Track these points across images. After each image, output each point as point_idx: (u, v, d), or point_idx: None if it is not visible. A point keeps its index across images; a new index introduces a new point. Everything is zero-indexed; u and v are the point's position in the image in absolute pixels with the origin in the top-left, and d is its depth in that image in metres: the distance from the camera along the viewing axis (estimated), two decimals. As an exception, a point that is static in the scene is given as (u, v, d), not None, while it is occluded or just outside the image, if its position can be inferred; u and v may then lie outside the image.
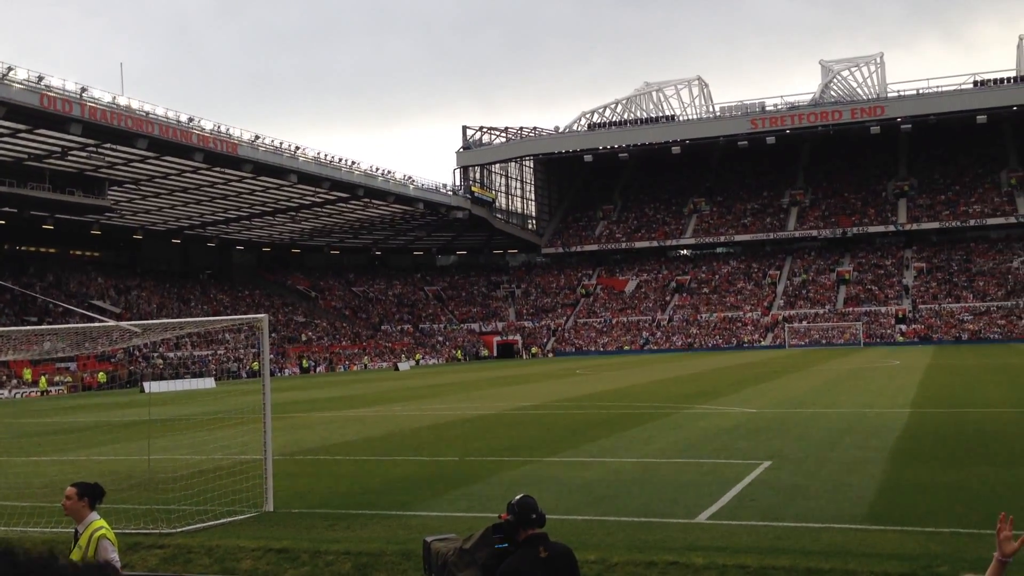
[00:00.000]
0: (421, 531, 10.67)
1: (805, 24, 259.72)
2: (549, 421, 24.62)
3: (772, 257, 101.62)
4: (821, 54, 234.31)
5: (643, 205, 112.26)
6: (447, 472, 16.07)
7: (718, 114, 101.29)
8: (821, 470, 14.72)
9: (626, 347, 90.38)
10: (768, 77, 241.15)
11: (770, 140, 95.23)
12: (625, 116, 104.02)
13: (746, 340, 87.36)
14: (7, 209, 55.07)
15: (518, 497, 5.59)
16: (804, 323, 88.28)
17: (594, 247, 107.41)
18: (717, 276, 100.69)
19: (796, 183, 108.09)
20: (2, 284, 50.51)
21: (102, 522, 6.99)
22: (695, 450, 17.55)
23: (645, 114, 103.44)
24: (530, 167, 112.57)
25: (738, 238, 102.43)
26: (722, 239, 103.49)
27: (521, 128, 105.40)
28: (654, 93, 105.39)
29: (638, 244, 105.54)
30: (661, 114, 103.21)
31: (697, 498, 12.65)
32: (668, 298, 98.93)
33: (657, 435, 20.19)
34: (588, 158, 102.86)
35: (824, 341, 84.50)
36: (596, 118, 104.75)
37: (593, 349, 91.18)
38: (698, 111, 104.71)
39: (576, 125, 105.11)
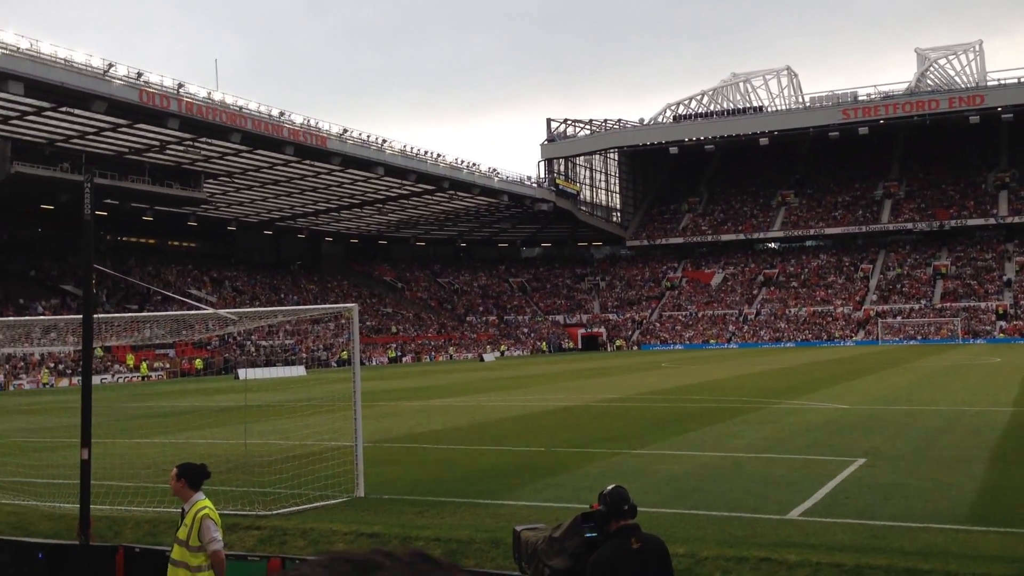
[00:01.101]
0: (509, 520, 10.73)
1: (900, 12, 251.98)
2: (635, 414, 24.49)
3: (864, 251, 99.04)
4: (917, 42, 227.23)
5: (729, 197, 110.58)
6: (534, 462, 16.12)
7: (808, 104, 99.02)
8: (919, 468, 14.32)
9: (712, 341, 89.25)
10: (861, 66, 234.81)
11: (863, 131, 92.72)
12: (711, 108, 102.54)
13: (837, 335, 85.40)
14: (110, 201, 57.15)
15: (610, 487, 5.58)
16: (898, 318, 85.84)
17: (679, 240, 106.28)
18: (806, 270, 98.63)
19: (890, 175, 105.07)
20: (105, 271, 52.43)
21: (207, 502, 7.21)
22: (785, 446, 17.25)
23: (732, 105, 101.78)
24: (614, 159, 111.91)
25: (828, 231, 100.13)
26: (812, 232, 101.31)
27: (606, 120, 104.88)
28: (741, 84, 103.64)
29: (724, 237, 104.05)
30: (748, 105, 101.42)
31: (789, 494, 12.43)
32: (755, 292, 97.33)
33: (745, 430, 19.91)
34: (673, 150, 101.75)
35: (919, 337, 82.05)
36: (682, 110, 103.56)
37: (678, 342, 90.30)
38: (787, 102, 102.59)
39: (661, 117, 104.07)
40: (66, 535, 11.02)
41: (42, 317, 44.37)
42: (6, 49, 43.60)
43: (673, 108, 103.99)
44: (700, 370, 45.89)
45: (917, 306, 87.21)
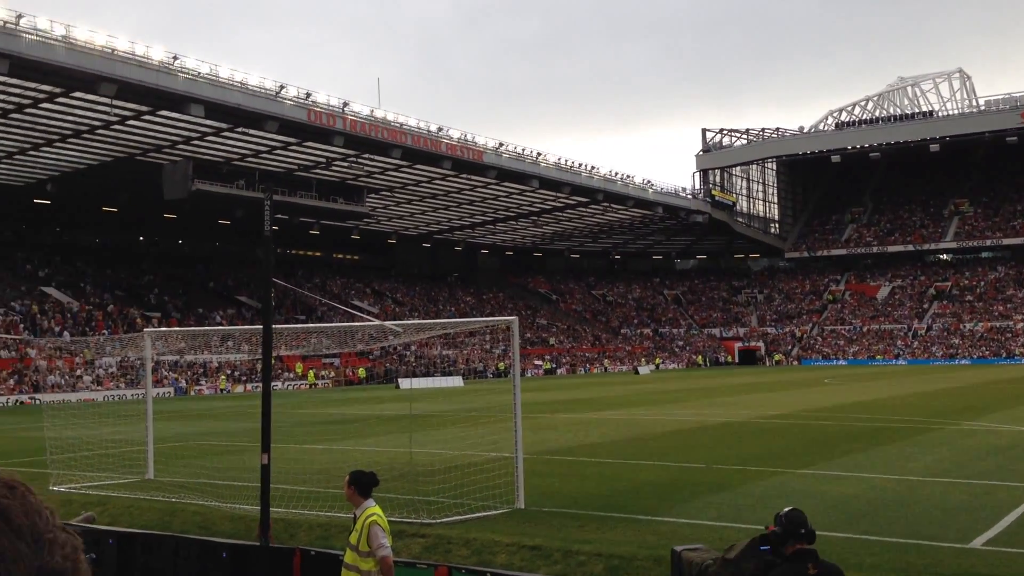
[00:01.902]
0: (671, 538, 10.62)
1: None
2: (798, 432, 23.75)
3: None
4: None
5: (897, 207, 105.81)
6: (694, 479, 15.89)
7: (983, 108, 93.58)
8: (1116, 499, 13.27)
9: (878, 357, 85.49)
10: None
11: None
12: (876, 114, 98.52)
13: (1017, 352, 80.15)
14: (280, 216, 59.98)
15: (787, 509, 5.46)
16: (1086, 335, 79.83)
17: (842, 251, 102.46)
18: (983, 283, 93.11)
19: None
20: (283, 284, 55.15)
21: (376, 509, 7.46)
22: (964, 470, 16.33)
23: (899, 111, 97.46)
24: (772, 169, 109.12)
25: (1007, 241, 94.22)
26: (988, 243, 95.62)
27: (763, 129, 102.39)
28: (909, 88, 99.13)
29: (891, 248, 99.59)
30: (917, 110, 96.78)
31: (970, 521, 11.77)
32: (926, 306, 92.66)
33: (919, 452, 18.97)
34: (836, 158, 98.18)
35: (1110, 355, 76.06)
36: (844, 116, 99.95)
37: (841, 358, 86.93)
38: (959, 106, 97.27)
39: (823, 125, 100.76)
40: (246, 535, 11.61)
41: (220, 327, 46.97)
42: (188, 75, 46.50)
43: (835, 115, 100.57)
44: (867, 387, 44.05)
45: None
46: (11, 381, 47.20)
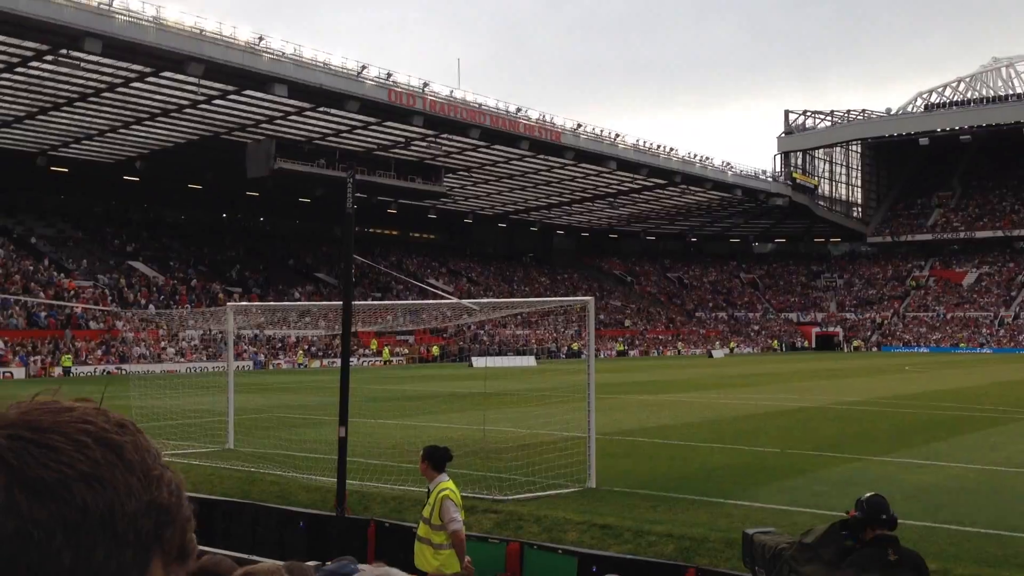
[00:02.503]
0: (743, 521, 10.56)
1: None
2: (876, 418, 23.29)
3: None
4: None
5: (987, 192, 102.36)
6: (768, 463, 15.74)
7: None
8: None
9: (962, 344, 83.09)
10: None
11: None
12: (968, 95, 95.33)
13: (1111, 344, 77.21)
14: (359, 195, 60.61)
15: (868, 494, 5.41)
16: None
17: (927, 236, 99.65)
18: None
19: None
20: (366, 262, 55.97)
21: (449, 483, 7.57)
22: (1051, 462, 15.83)
23: (992, 92, 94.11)
24: (857, 152, 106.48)
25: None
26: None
27: (848, 111, 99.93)
28: (1003, 69, 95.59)
29: (979, 234, 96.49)
30: (1011, 92, 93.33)
31: (1055, 514, 11.43)
32: (1014, 293, 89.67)
33: (1004, 442, 18.45)
34: (924, 141, 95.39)
35: None
36: (934, 98, 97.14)
37: (923, 345, 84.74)
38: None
39: (911, 106, 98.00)
40: (322, 506, 11.88)
41: (299, 303, 47.87)
42: (273, 55, 47.31)
43: (925, 97, 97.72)
44: (949, 375, 42.89)
45: None
46: (99, 352, 48.89)
